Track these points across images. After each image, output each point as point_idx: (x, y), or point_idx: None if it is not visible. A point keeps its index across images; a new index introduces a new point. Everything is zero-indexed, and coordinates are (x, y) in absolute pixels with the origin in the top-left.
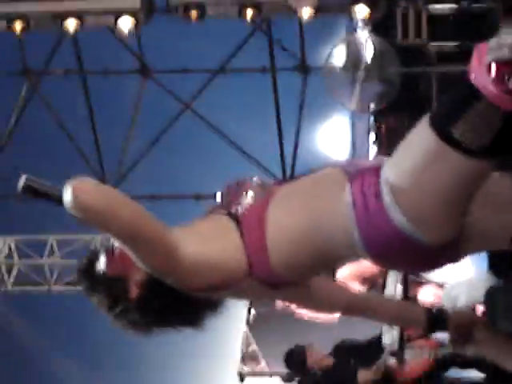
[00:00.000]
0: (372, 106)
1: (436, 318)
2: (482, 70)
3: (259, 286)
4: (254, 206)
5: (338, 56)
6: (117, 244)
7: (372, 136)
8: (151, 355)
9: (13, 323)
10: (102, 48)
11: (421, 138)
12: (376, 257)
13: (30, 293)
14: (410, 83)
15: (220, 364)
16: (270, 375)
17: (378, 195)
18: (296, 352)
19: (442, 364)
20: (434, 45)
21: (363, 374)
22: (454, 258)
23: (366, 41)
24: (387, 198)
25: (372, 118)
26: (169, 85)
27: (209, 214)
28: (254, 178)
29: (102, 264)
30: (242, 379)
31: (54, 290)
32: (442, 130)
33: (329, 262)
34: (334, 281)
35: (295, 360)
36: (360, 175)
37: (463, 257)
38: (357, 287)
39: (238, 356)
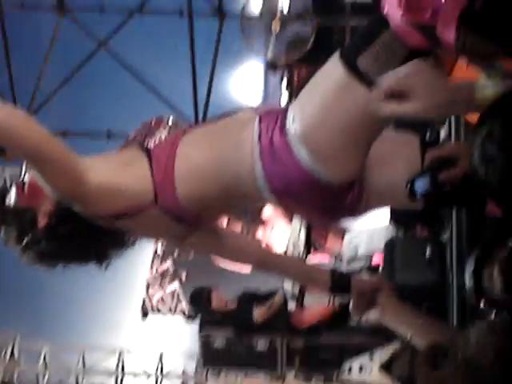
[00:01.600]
0: (286, 55)
1: (340, 281)
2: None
3: (165, 218)
4: (167, 140)
5: (255, 3)
6: (27, 178)
7: (284, 84)
8: (56, 292)
9: None
10: None
11: (329, 70)
12: (278, 194)
13: None
14: (324, 34)
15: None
16: (173, 312)
17: (282, 130)
18: (202, 292)
19: (342, 313)
20: None
21: (258, 311)
22: (355, 208)
23: None
24: (291, 131)
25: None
26: (86, 23)
27: (122, 148)
28: (171, 117)
29: (12, 197)
30: (144, 315)
31: None
32: (348, 60)
33: (234, 200)
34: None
35: (201, 299)
36: (269, 113)
37: (364, 211)
38: (283, 224)
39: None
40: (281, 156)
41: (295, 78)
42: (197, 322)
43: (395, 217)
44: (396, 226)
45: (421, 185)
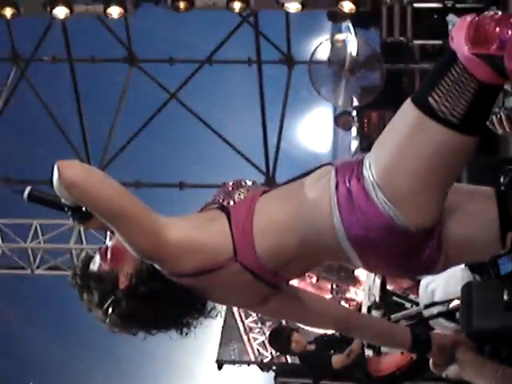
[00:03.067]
0: (355, 100)
1: (420, 339)
2: (460, 34)
3: (244, 276)
4: (245, 199)
5: (324, 50)
6: (109, 243)
7: (354, 130)
8: (129, 341)
9: None
10: (91, 36)
11: (403, 114)
12: (357, 244)
13: (13, 275)
14: (394, 79)
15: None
16: (248, 364)
17: (359, 178)
18: (283, 331)
19: (419, 362)
20: (418, 42)
21: (337, 358)
22: (434, 262)
23: (352, 36)
24: (368, 178)
25: (355, 113)
26: (156, 74)
27: (201, 210)
28: (248, 180)
29: (96, 263)
30: (220, 367)
31: (37, 273)
32: (420, 100)
33: (311, 255)
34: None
35: (281, 338)
36: (345, 164)
37: (443, 266)
38: None
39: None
40: (359, 203)
41: (365, 124)
42: (272, 371)
43: (471, 262)
44: (472, 270)
45: (505, 264)
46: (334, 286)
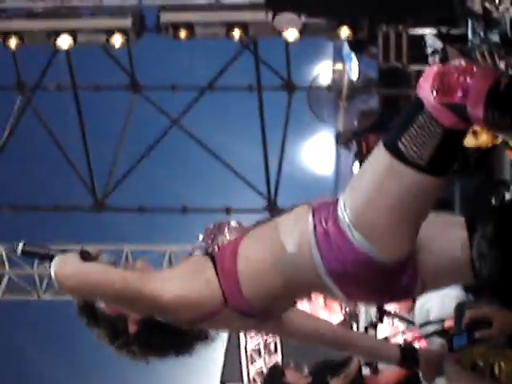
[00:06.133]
0: (355, 124)
1: (408, 355)
2: (426, 83)
3: (237, 317)
4: (228, 243)
5: (323, 76)
6: None
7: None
8: (136, 366)
9: (4, 331)
10: (94, 64)
11: (374, 157)
12: (337, 278)
13: (20, 301)
14: (391, 104)
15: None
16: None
17: (335, 218)
18: (275, 371)
19: (417, 374)
20: (414, 67)
21: (334, 383)
22: (412, 289)
23: (351, 63)
24: (343, 218)
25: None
26: (158, 100)
27: (189, 256)
28: (232, 222)
29: (101, 304)
30: None
31: (43, 298)
32: (390, 144)
33: (297, 290)
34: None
35: (275, 379)
36: (322, 205)
37: (421, 291)
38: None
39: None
40: (336, 242)
41: (364, 148)
42: None
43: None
44: (466, 290)
45: (459, 342)
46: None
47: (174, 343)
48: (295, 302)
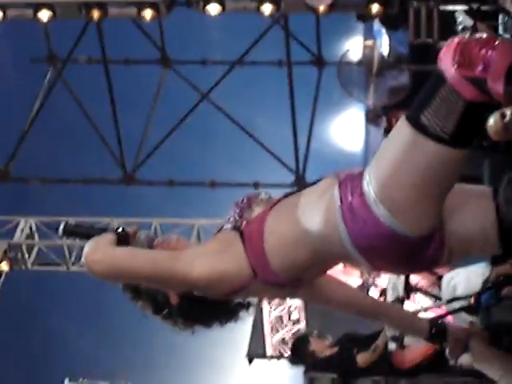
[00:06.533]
0: (385, 100)
1: (437, 329)
2: (447, 56)
3: (268, 287)
4: (256, 218)
5: (353, 51)
6: None
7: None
8: (161, 335)
9: (33, 301)
10: (125, 37)
11: (397, 131)
12: (363, 251)
13: (50, 272)
14: (422, 80)
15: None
16: (278, 358)
17: (361, 192)
18: (301, 338)
19: (443, 353)
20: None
21: (362, 356)
22: (438, 259)
23: (381, 38)
24: (368, 192)
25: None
26: (188, 75)
27: (218, 232)
28: (261, 194)
29: None
30: (250, 361)
31: (72, 270)
32: (413, 118)
33: (324, 261)
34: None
35: (300, 347)
36: (347, 178)
37: (448, 260)
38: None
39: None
40: (361, 215)
41: (394, 124)
42: (301, 366)
43: (492, 257)
44: (493, 265)
45: (486, 299)
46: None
47: (216, 313)
48: (324, 271)
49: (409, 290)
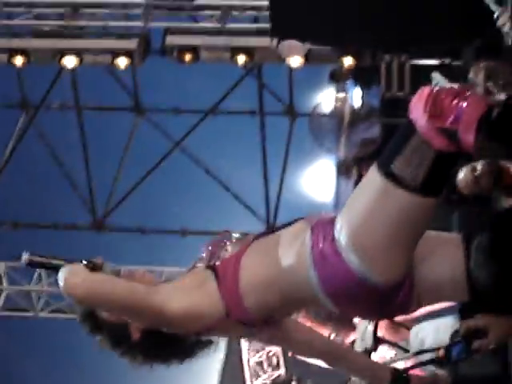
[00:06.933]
0: (356, 152)
1: (400, 378)
2: (419, 105)
3: (239, 326)
4: (231, 256)
5: (325, 103)
6: None
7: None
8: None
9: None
10: (99, 84)
11: (368, 179)
12: (332, 297)
13: (17, 318)
14: (392, 133)
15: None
16: None
17: (332, 238)
18: None
19: None
20: None
21: None
22: (408, 305)
23: (353, 92)
24: (339, 239)
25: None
26: (162, 122)
27: (192, 268)
28: (234, 234)
29: (101, 313)
30: None
31: (40, 316)
32: (384, 167)
33: (295, 304)
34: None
35: None
36: (320, 223)
37: (417, 307)
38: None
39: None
40: (332, 263)
41: (364, 175)
42: None
43: (460, 308)
44: (462, 318)
45: (457, 352)
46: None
47: (177, 351)
48: (291, 314)
49: (377, 341)
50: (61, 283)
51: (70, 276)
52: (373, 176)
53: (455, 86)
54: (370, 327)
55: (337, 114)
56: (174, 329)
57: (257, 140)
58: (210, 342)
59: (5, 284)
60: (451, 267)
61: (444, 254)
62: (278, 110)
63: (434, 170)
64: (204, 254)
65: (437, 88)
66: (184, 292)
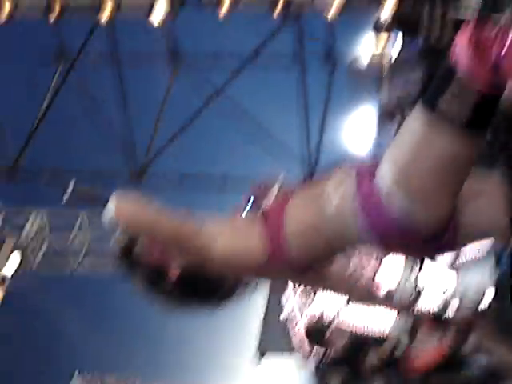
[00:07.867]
0: (398, 97)
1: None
2: (462, 44)
3: (280, 270)
4: (276, 202)
5: (366, 51)
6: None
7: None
8: (170, 335)
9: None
10: (137, 33)
11: (414, 118)
12: (378, 238)
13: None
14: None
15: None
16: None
17: (377, 180)
18: (318, 326)
19: (453, 355)
20: None
21: (371, 358)
22: (451, 246)
23: (394, 40)
24: (385, 180)
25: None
26: (200, 70)
27: (237, 211)
28: (279, 179)
29: (140, 250)
30: (262, 355)
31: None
32: (430, 104)
33: (339, 248)
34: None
35: (317, 336)
36: (364, 167)
37: (461, 245)
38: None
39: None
40: (378, 203)
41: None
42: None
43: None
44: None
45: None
46: None
47: (215, 291)
48: (332, 259)
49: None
50: (111, 207)
51: (120, 201)
52: (418, 114)
53: (500, 23)
54: (414, 273)
55: (378, 59)
56: (215, 268)
57: (297, 88)
58: (250, 285)
59: (47, 231)
60: (494, 210)
61: (487, 197)
62: (320, 57)
63: (478, 107)
64: (246, 200)
65: (479, 27)
66: (229, 235)
